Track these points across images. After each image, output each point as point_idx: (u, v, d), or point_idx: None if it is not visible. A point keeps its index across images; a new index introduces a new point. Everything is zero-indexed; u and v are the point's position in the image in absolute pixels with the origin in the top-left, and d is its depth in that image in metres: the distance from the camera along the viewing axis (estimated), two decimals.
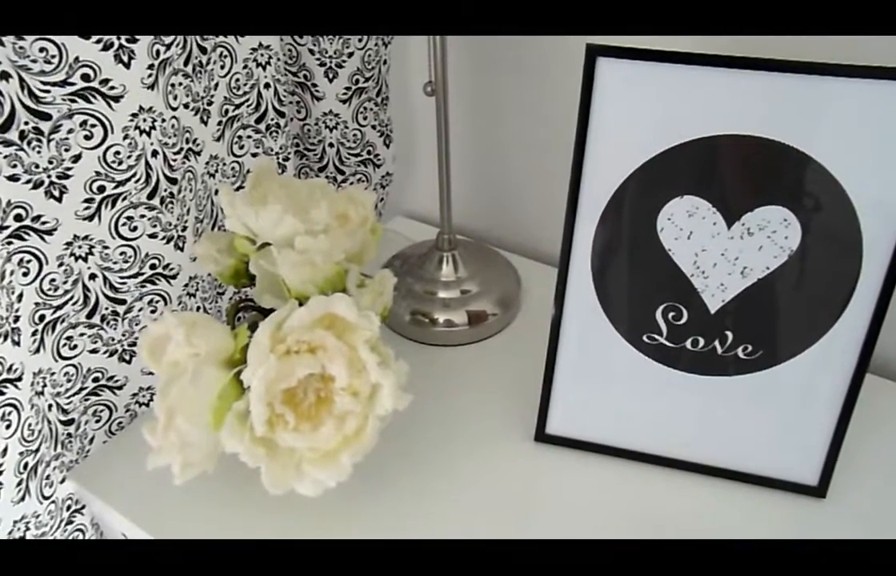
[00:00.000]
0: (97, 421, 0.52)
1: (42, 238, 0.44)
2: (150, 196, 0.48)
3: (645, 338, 0.47)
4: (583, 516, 0.47)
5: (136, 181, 0.46)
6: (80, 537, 0.53)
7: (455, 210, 0.65)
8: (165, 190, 0.48)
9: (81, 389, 0.50)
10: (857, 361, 0.44)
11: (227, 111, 0.56)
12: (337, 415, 0.38)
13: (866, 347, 0.44)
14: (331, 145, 0.67)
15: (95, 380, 0.51)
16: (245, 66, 0.56)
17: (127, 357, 0.52)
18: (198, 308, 0.55)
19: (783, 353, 0.46)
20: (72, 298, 0.47)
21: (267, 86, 0.58)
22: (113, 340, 0.51)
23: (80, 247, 0.46)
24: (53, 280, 0.45)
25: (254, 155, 0.60)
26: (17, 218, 0.42)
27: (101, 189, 0.45)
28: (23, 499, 0.46)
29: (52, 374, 0.48)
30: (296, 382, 0.38)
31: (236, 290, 0.61)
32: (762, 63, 0.40)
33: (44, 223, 0.44)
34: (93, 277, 0.48)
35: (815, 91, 0.40)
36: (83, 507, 0.52)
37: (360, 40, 0.62)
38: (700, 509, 0.48)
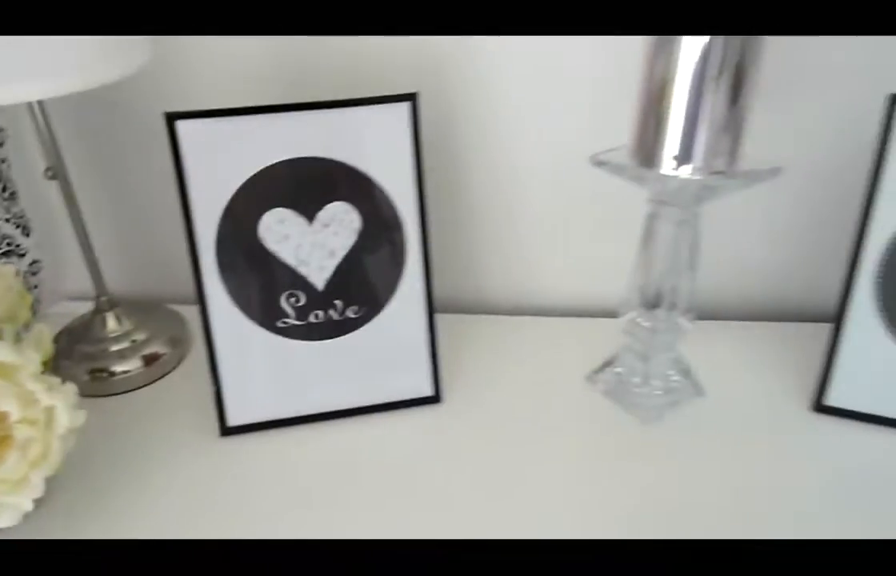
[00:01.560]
0: None
1: None
2: None
3: (279, 323, 0.61)
4: (275, 484, 0.59)
5: None
6: None
7: (115, 279, 0.72)
8: None
9: None
10: (425, 297, 0.64)
11: None
12: (19, 446, 0.44)
13: (427, 287, 0.63)
14: None
15: None
16: None
17: None
18: None
19: (379, 306, 0.63)
20: None
21: None
22: None
23: None
24: None
25: None
26: None
27: None
28: None
29: None
30: None
31: None
32: (301, 105, 0.56)
33: None
34: None
35: (346, 118, 0.57)
36: None
37: None
38: (366, 442, 0.62)
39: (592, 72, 0.68)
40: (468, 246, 0.79)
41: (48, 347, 0.51)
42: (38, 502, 0.53)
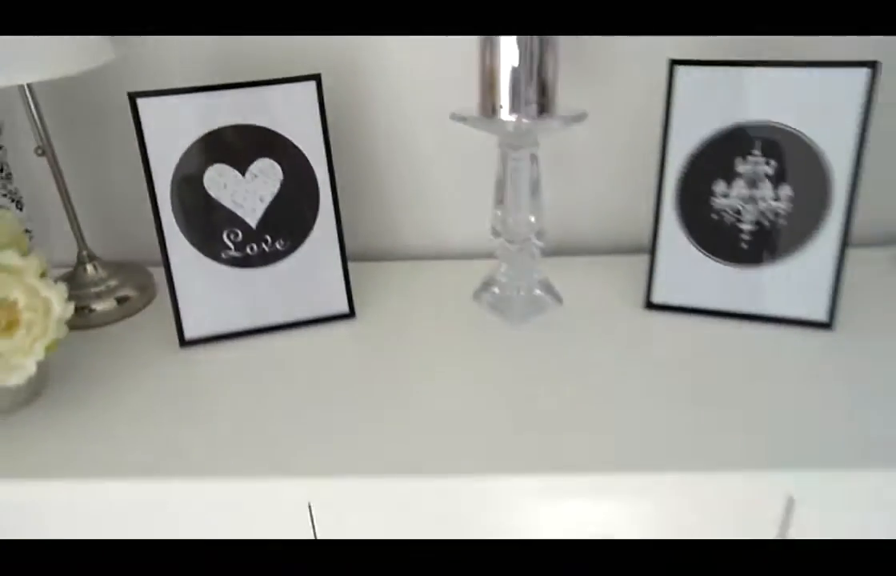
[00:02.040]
0: None
1: None
2: None
3: (222, 255, 0.79)
4: (222, 383, 0.76)
5: None
6: None
7: (93, 243, 0.89)
8: None
9: None
10: (336, 232, 0.82)
11: None
12: (24, 325, 0.61)
13: (338, 224, 0.82)
14: None
15: None
16: None
17: None
18: None
19: (301, 239, 0.81)
20: None
21: None
22: None
23: None
24: None
25: None
26: None
27: None
28: None
29: None
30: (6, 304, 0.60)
31: None
32: (233, 85, 0.75)
33: None
34: None
35: (269, 93, 0.76)
36: None
37: None
38: (296, 348, 0.80)
39: (461, 49, 0.88)
40: (379, 203, 0.98)
41: (44, 264, 0.68)
42: (37, 399, 0.70)
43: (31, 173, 0.93)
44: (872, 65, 0.70)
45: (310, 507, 0.63)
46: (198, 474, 0.60)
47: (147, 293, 0.90)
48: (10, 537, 0.67)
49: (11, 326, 0.62)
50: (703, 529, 0.64)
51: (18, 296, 0.62)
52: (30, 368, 0.62)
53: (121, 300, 0.87)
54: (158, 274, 0.91)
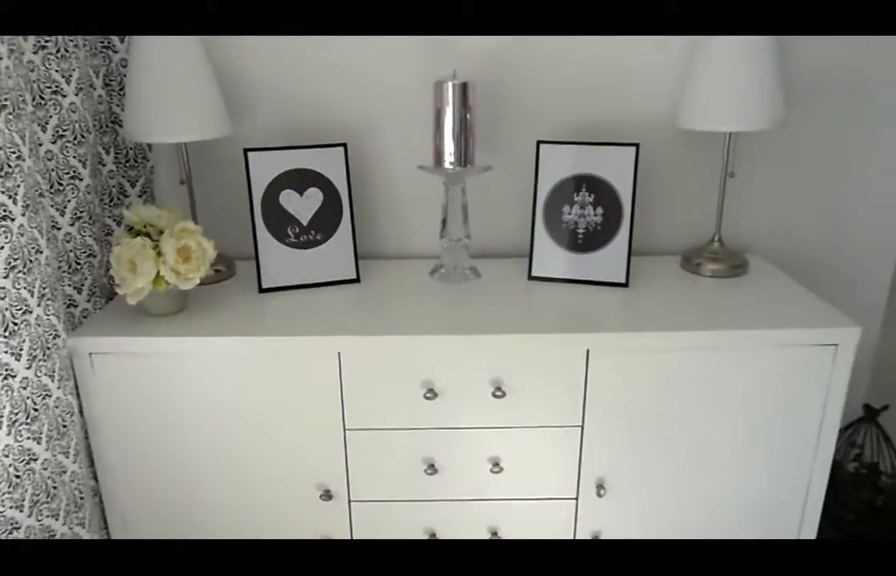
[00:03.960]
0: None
1: None
2: None
3: (286, 240, 1.39)
4: (282, 315, 1.35)
5: None
6: None
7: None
8: None
9: None
10: (351, 229, 1.43)
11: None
12: (195, 259, 1.20)
13: (352, 225, 1.43)
14: None
15: None
16: None
17: None
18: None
19: (331, 234, 1.42)
20: None
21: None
22: None
23: None
24: None
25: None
26: None
27: None
28: None
29: None
30: (178, 248, 1.19)
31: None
32: (296, 147, 1.37)
33: None
34: None
35: (311, 154, 1.39)
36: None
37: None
38: (321, 299, 1.39)
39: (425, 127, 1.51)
40: (374, 220, 1.59)
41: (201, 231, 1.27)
42: (183, 311, 1.28)
43: (175, 194, 1.53)
44: (636, 145, 1.35)
45: (339, 355, 1.21)
46: (266, 335, 1.18)
47: (231, 269, 1.49)
48: (169, 357, 1.22)
49: (188, 259, 1.20)
50: (527, 374, 1.23)
51: (192, 243, 1.21)
52: (194, 281, 1.20)
53: (217, 271, 1.45)
54: (240, 265, 1.50)
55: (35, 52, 1.11)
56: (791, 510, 1.32)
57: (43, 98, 1.14)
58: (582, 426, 1.25)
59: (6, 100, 0.98)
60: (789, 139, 1.52)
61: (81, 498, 1.16)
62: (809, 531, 1.32)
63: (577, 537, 1.33)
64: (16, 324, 1.01)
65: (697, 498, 1.30)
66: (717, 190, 1.54)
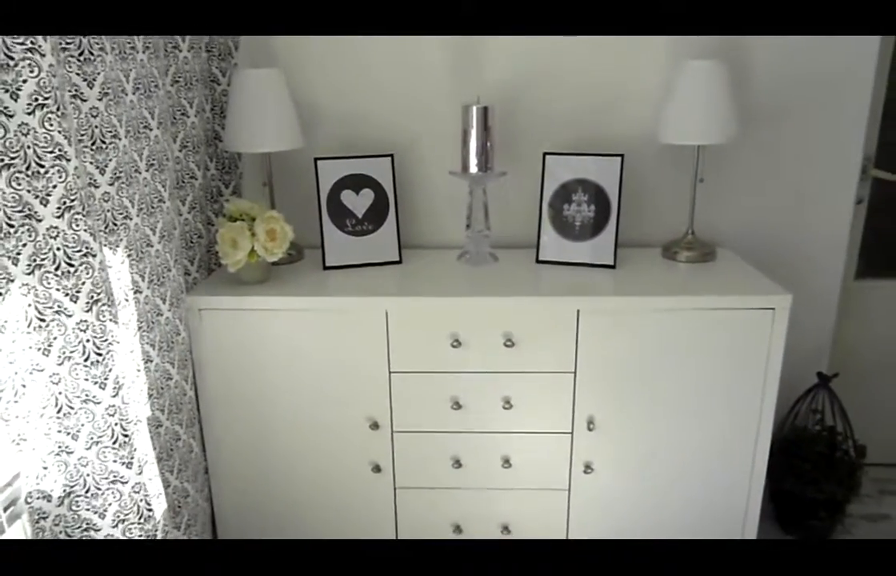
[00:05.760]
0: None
1: None
2: None
3: (345, 229, 1.77)
4: (341, 287, 1.73)
5: None
6: None
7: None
8: None
9: None
10: (395, 221, 1.81)
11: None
12: (279, 238, 1.59)
13: (396, 218, 1.81)
14: None
15: None
16: None
17: None
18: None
19: (379, 226, 1.80)
20: None
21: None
22: None
23: None
24: None
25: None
26: None
27: None
28: None
29: None
30: (267, 230, 1.58)
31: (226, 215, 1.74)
32: (353, 156, 1.76)
33: None
34: None
35: (366, 161, 1.78)
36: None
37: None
38: (370, 276, 1.77)
39: (454, 128, 1.89)
40: (423, 212, 1.97)
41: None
42: (265, 282, 1.68)
43: (258, 194, 1.93)
44: (622, 156, 1.71)
45: (386, 313, 1.58)
46: (330, 295, 1.56)
47: (300, 254, 1.88)
48: (254, 315, 1.61)
49: (273, 239, 1.60)
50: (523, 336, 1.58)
51: (276, 227, 1.60)
52: (278, 255, 1.59)
53: (290, 255, 1.84)
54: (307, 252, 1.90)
55: (171, 85, 1.53)
56: (745, 442, 1.64)
57: (174, 118, 1.55)
58: (575, 372, 1.60)
59: (162, 119, 1.39)
60: (750, 151, 1.86)
61: (191, 410, 1.56)
62: (761, 460, 1.64)
63: (571, 466, 1.67)
64: (161, 281, 1.41)
65: (669, 432, 1.63)
66: (689, 192, 1.89)
